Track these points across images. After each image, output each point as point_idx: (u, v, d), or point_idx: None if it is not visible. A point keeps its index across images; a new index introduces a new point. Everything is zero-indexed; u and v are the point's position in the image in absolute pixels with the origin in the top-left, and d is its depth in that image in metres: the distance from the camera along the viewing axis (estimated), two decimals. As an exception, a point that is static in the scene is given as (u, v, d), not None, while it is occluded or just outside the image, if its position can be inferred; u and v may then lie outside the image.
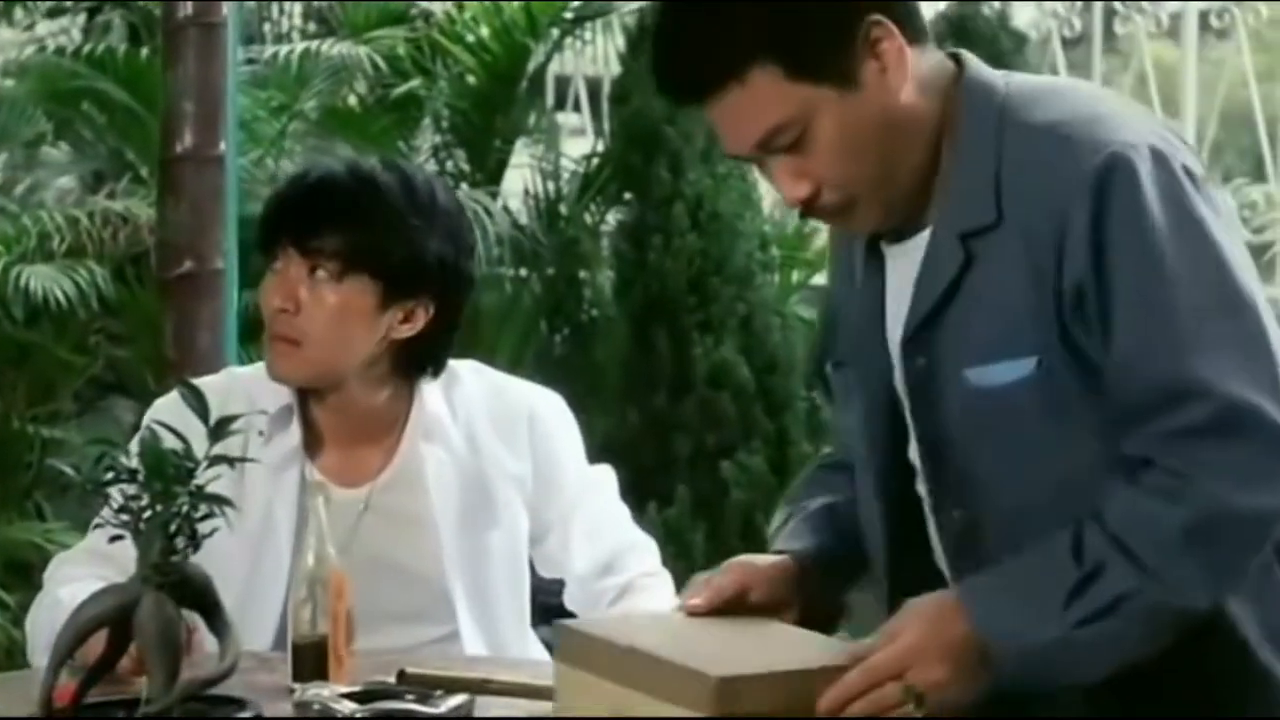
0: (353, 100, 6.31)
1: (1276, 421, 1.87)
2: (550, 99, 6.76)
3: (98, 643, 2.07)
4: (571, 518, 2.74)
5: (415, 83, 6.09)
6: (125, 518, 2.01)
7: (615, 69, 6.11)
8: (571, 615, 2.62)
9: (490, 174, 6.08)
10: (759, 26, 1.96)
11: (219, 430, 2.03)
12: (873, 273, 2.13)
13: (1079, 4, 6.84)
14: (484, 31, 6.06)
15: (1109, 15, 6.78)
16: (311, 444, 2.68)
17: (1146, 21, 6.67)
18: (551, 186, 6.09)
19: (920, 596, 1.98)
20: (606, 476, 2.82)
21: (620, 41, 6.15)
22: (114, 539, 2.04)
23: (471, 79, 6.11)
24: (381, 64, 5.96)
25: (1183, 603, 1.90)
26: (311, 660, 2.29)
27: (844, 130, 1.98)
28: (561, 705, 2.03)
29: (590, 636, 2.00)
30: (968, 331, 2.00)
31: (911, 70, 2.00)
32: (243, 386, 2.68)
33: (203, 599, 2.07)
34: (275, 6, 6.99)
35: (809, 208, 2.04)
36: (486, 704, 2.18)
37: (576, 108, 6.97)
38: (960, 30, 5.91)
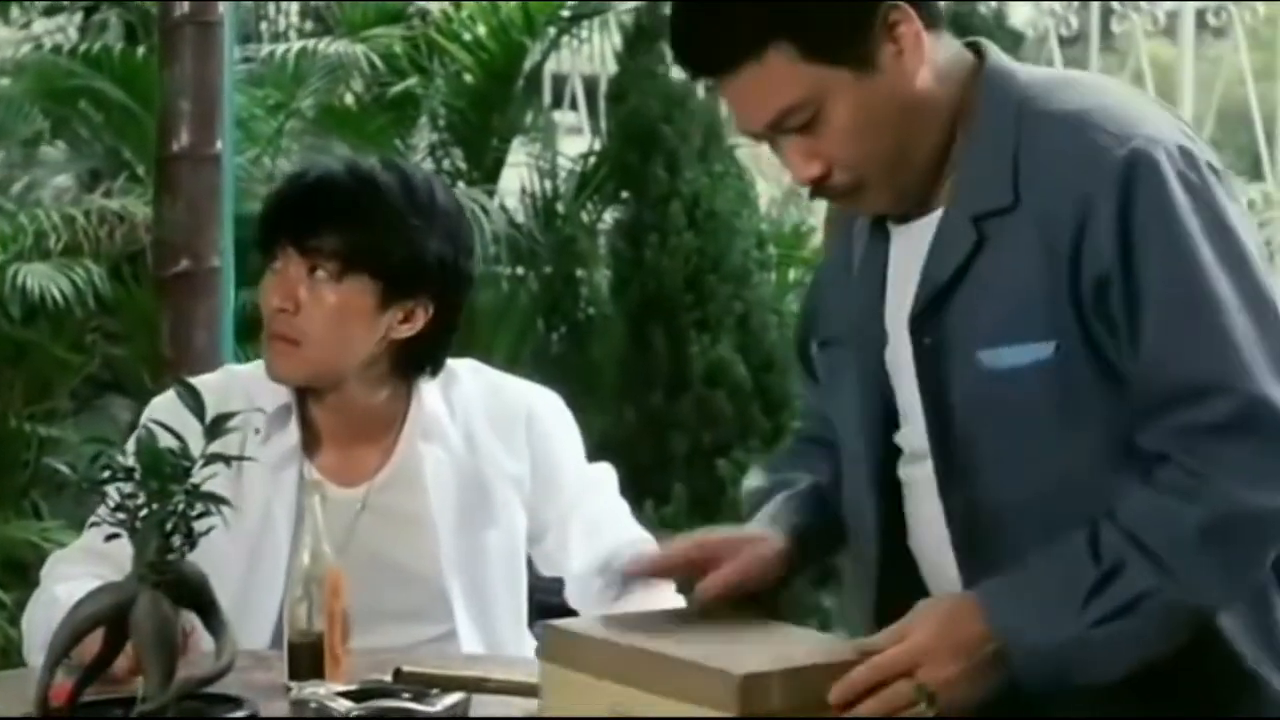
0: (349, 99, 6.31)
1: None
2: (547, 97, 6.75)
3: (94, 641, 2.07)
4: (570, 516, 2.74)
5: (412, 81, 6.08)
6: (121, 516, 2.01)
7: (612, 67, 6.10)
8: (572, 614, 2.62)
9: (487, 172, 6.07)
10: (778, 6, 1.97)
11: (215, 429, 2.03)
12: (875, 251, 2.13)
13: (1076, 2, 6.84)
14: (481, 30, 6.06)
15: (1106, 13, 6.78)
16: (310, 443, 2.68)
17: (1143, 20, 6.67)
18: (548, 185, 6.08)
19: (934, 597, 1.98)
20: (606, 475, 2.81)
21: (617, 40, 6.15)
22: (110, 537, 2.04)
23: (468, 77, 6.11)
24: (378, 62, 5.95)
25: (1199, 601, 1.91)
26: (308, 659, 2.29)
27: (858, 112, 1.98)
28: (549, 705, 2.02)
29: (584, 636, 2.00)
30: (976, 313, 2.00)
31: (928, 56, 2.01)
32: (241, 385, 2.68)
33: (199, 597, 2.07)
34: (272, 5, 6.99)
35: (818, 188, 2.04)
36: (482, 703, 2.18)
37: (573, 106, 6.96)
38: (957, 28, 5.86)
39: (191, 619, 2.13)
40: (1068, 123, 1.98)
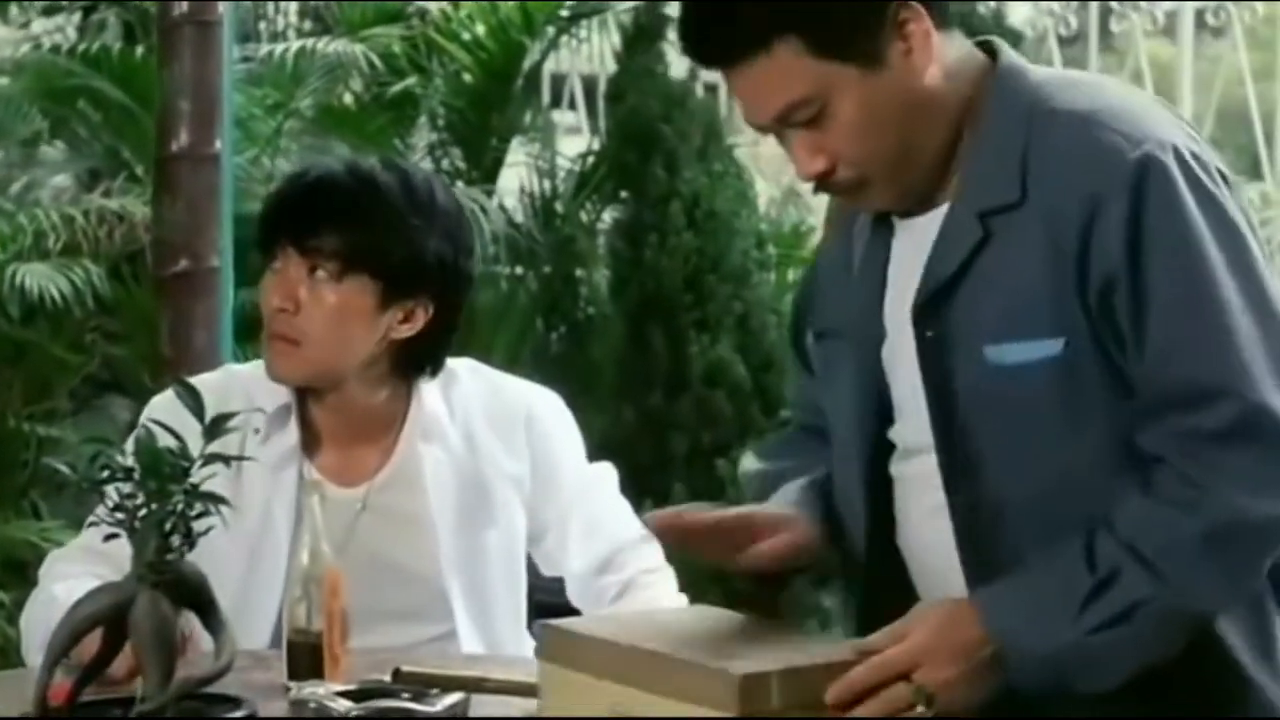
0: (348, 98, 6.30)
1: None
2: (546, 97, 6.75)
3: (93, 641, 2.06)
4: (569, 516, 2.74)
5: (411, 81, 6.08)
6: (120, 516, 2.01)
7: (611, 67, 6.10)
8: (572, 613, 2.62)
9: (486, 172, 6.07)
10: (789, 1, 1.97)
11: (214, 429, 2.03)
12: (877, 247, 2.13)
13: (1075, 2, 6.84)
14: (480, 29, 6.05)
15: (1105, 13, 6.77)
16: (309, 443, 2.68)
17: (1142, 19, 6.67)
18: (547, 185, 6.08)
19: (932, 599, 1.98)
20: (606, 473, 2.81)
21: (616, 39, 6.14)
22: (109, 537, 2.04)
23: (467, 77, 6.10)
24: (377, 62, 5.95)
25: (1197, 608, 1.91)
26: (307, 658, 2.29)
27: (864, 109, 1.98)
28: (548, 705, 2.02)
29: (583, 635, 2.00)
30: (981, 308, 2.00)
31: (937, 54, 2.01)
32: (241, 385, 2.68)
33: (198, 597, 2.07)
34: (271, 5, 6.99)
35: (822, 183, 2.05)
36: (482, 702, 2.18)
37: (572, 106, 6.96)
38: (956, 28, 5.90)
39: (190, 622, 2.13)
40: (1078, 121, 1.98)
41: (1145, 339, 1.93)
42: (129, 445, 2.07)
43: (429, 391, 2.71)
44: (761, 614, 2.10)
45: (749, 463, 2.33)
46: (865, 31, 1.98)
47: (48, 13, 6.74)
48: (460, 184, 5.81)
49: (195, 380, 2.22)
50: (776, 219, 6.19)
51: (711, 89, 6.30)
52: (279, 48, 6.06)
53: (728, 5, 1.99)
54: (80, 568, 2.52)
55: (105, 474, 2.01)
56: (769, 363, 5.49)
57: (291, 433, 2.66)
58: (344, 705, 2.10)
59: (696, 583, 2.77)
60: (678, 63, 5.82)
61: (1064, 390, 1.96)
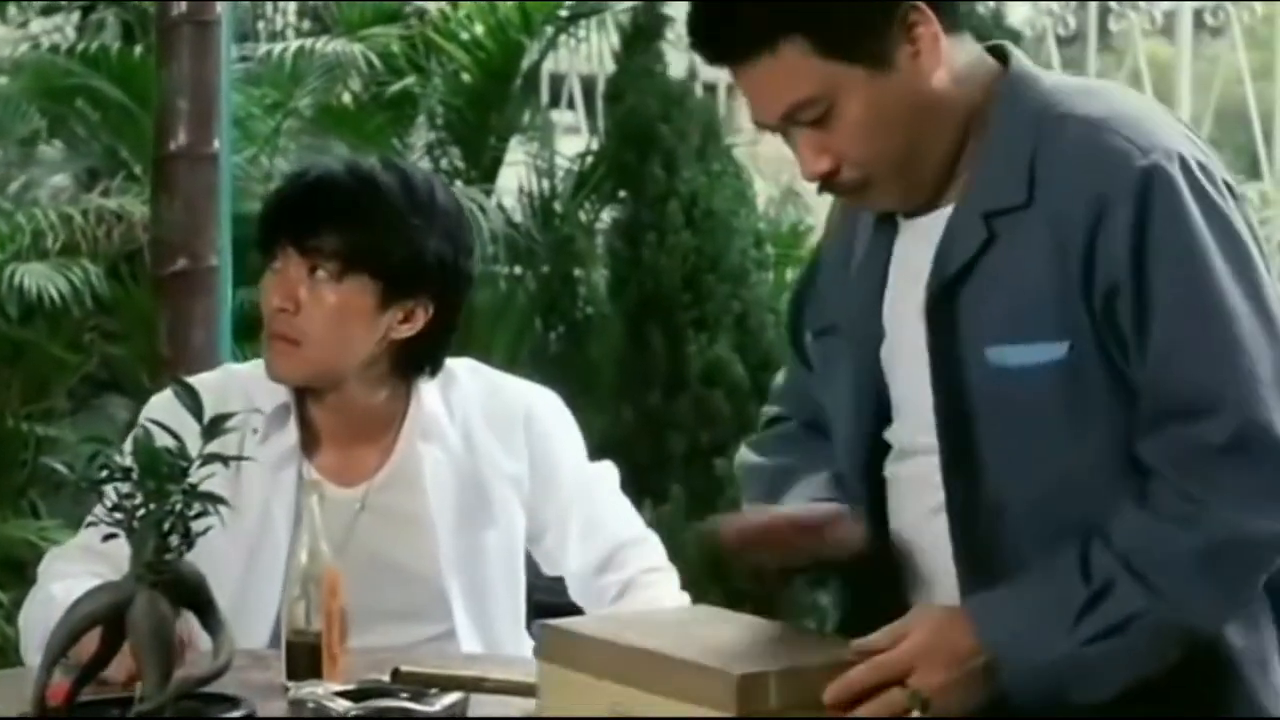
0: (347, 98, 6.30)
1: None
2: (545, 97, 6.74)
3: (91, 641, 2.06)
4: (569, 515, 2.74)
5: (410, 80, 6.07)
6: (119, 516, 2.01)
7: (610, 67, 6.09)
8: (571, 613, 2.62)
9: (485, 172, 6.06)
10: (797, 1, 1.97)
11: (212, 428, 2.03)
12: (879, 246, 2.12)
13: (1073, 2, 6.83)
14: (478, 29, 6.05)
15: (1104, 13, 6.76)
16: (308, 443, 2.68)
17: (1141, 19, 6.66)
18: (546, 184, 6.08)
19: (928, 605, 1.98)
20: (607, 472, 2.81)
21: (615, 39, 6.14)
22: (108, 537, 2.04)
23: (466, 77, 6.10)
24: (376, 62, 5.94)
25: (1193, 623, 1.91)
26: (305, 658, 2.29)
27: (870, 110, 1.98)
28: (547, 705, 2.02)
29: (582, 635, 2.00)
30: (983, 309, 2.00)
31: (945, 58, 2.00)
32: (240, 384, 2.68)
33: (196, 597, 2.07)
34: (269, 4, 6.98)
35: (827, 183, 2.04)
36: (481, 702, 2.18)
37: (571, 105, 6.96)
38: (954, 28, 5.89)
39: (188, 624, 2.13)
40: (1088, 127, 1.98)
41: (1147, 346, 1.93)
42: (127, 445, 2.07)
43: (428, 391, 2.71)
44: (761, 614, 2.10)
45: (746, 456, 2.33)
46: (872, 33, 1.98)
47: (46, 12, 6.74)
48: (459, 183, 5.81)
49: (194, 380, 2.22)
50: (775, 218, 6.18)
51: (710, 89, 6.30)
52: (277, 47, 6.06)
53: (735, 4, 1.99)
54: (79, 567, 2.52)
55: (104, 473, 2.01)
56: (767, 362, 5.48)
57: (291, 433, 2.66)
58: (342, 705, 2.10)
59: (697, 582, 2.77)
60: (676, 62, 5.82)
61: (1067, 394, 1.95)
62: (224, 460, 2.03)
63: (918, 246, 2.06)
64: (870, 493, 2.12)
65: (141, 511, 2.00)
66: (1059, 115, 2.00)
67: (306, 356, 2.61)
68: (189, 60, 4.28)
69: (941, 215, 2.05)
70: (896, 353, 2.09)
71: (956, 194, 2.04)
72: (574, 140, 6.65)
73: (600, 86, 6.43)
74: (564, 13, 6.21)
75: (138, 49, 5.80)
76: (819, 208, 5.55)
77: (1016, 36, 6.27)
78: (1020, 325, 1.97)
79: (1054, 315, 1.95)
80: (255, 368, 2.69)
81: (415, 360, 2.67)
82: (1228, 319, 1.91)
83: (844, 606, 2.16)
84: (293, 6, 7.06)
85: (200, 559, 2.07)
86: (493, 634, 2.68)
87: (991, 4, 6.29)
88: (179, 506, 2.00)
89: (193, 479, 2.00)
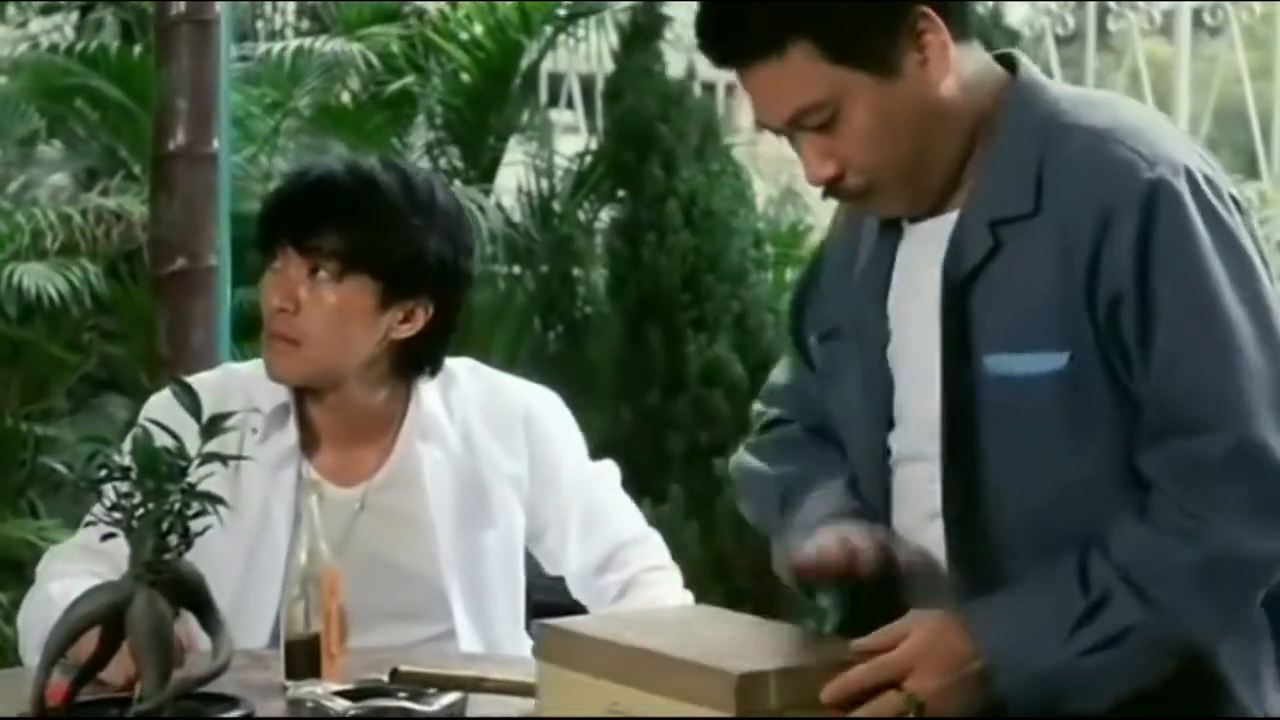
0: (346, 97, 6.30)
1: None
2: (544, 96, 6.74)
3: (90, 641, 2.06)
4: (569, 514, 2.74)
5: (409, 80, 6.07)
6: (118, 515, 2.01)
7: (609, 66, 6.09)
8: (570, 612, 2.62)
9: (484, 171, 6.06)
10: (805, 5, 1.97)
11: (211, 428, 2.03)
12: (884, 247, 2.12)
13: (1072, 2, 6.83)
14: (477, 29, 6.05)
15: (1102, 13, 6.76)
16: (308, 443, 2.68)
17: (1140, 19, 6.66)
18: (545, 184, 6.08)
19: (925, 609, 1.98)
20: (608, 471, 2.81)
21: (614, 39, 6.14)
22: (106, 537, 2.04)
23: (465, 76, 6.10)
24: (375, 61, 5.94)
25: (1190, 637, 1.91)
26: (304, 658, 2.29)
27: (877, 117, 1.98)
28: (546, 704, 2.02)
29: (581, 635, 2.00)
30: (987, 317, 1.99)
31: (953, 65, 2.00)
32: (239, 384, 2.68)
33: (195, 597, 2.07)
34: (268, 4, 6.98)
35: (831, 188, 2.04)
36: (479, 702, 2.18)
37: (570, 105, 6.96)
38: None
39: (188, 626, 2.13)
40: (1095, 137, 1.98)
41: (1151, 357, 1.92)
42: (126, 444, 2.07)
43: (427, 391, 2.71)
44: (761, 614, 2.10)
45: (746, 461, 2.31)
46: (880, 39, 1.97)
47: (45, 12, 6.74)
48: (458, 183, 5.81)
49: (193, 379, 2.22)
50: (774, 218, 6.18)
51: (709, 88, 6.30)
52: (276, 46, 6.05)
53: (744, 6, 1.99)
54: (77, 566, 2.52)
55: (102, 473, 2.01)
56: (766, 362, 5.47)
57: (290, 432, 2.66)
58: (341, 705, 2.10)
59: (699, 581, 2.77)
60: (675, 62, 5.82)
61: (1067, 404, 1.95)
62: (223, 460, 2.03)
63: (922, 251, 2.06)
64: (884, 497, 2.12)
65: (140, 511, 2.00)
66: (1066, 125, 2.00)
67: (307, 356, 2.61)
68: (188, 60, 4.28)
69: (946, 220, 2.04)
70: (900, 358, 2.08)
71: (962, 200, 2.04)
72: (573, 140, 6.65)
73: (599, 86, 6.43)
74: (563, 12, 6.21)
75: (137, 48, 5.80)
76: (818, 207, 5.56)
77: (1015, 36, 6.27)
78: (1023, 334, 1.97)
79: (1057, 325, 1.95)
80: (255, 367, 2.69)
81: (415, 360, 2.67)
82: (1229, 334, 1.91)
83: (844, 607, 2.15)
84: (292, 6, 7.06)
85: (199, 559, 2.07)
86: (492, 634, 2.68)
87: (990, 3, 6.29)
88: (178, 506, 2.00)
89: (191, 478, 2.00)
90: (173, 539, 2.01)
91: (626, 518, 2.77)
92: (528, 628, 2.72)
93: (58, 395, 5.61)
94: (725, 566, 5.10)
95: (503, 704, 2.19)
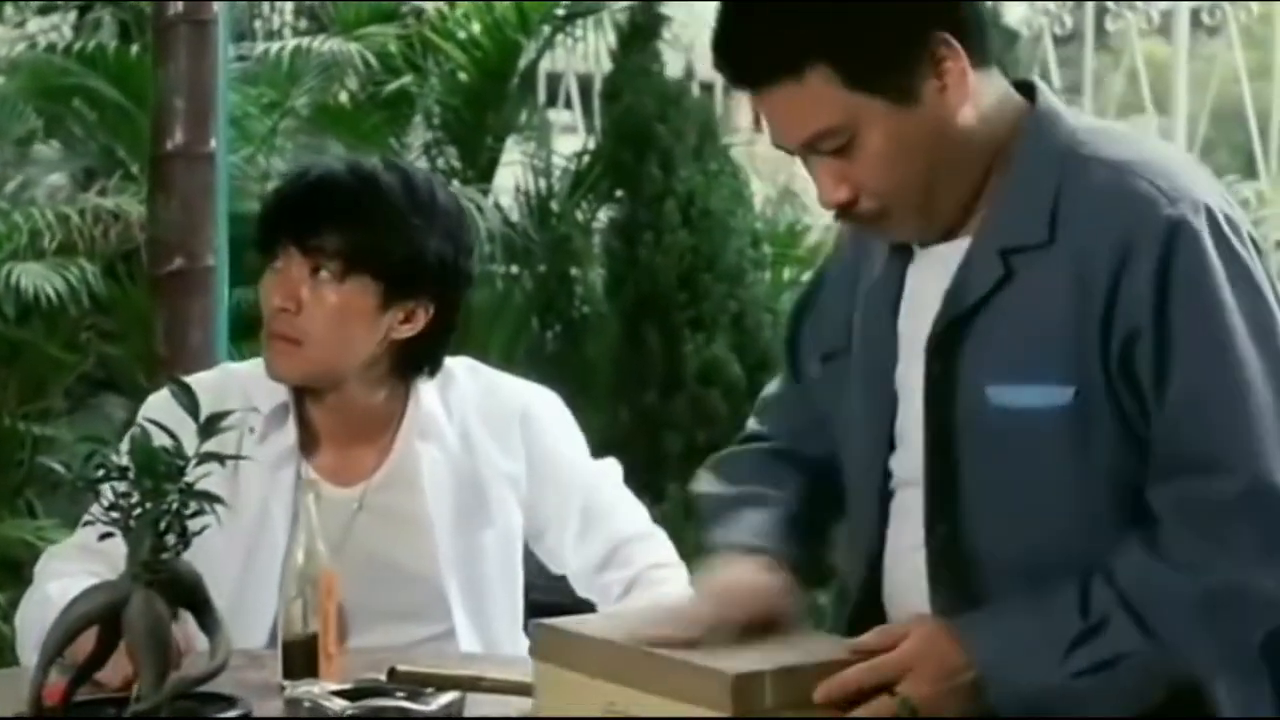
0: (344, 97, 6.30)
1: None
2: (542, 96, 6.74)
3: (87, 641, 2.06)
4: (569, 512, 2.74)
5: (406, 79, 6.07)
6: (115, 515, 2.01)
7: (607, 66, 6.09)
8: (568, 612, 2.61)
9: (482, 171, 6.06)
10: (824, 29, 1.95)
11: (209, 428, 2.02)
12: (894, 269, 2.10)
13: (1070, 2, 6.83)
14: (475, 28, 6.05)
15: (1100, 12, 6.76)
16: (307, 443, 2.68)
17: (1138, 19, 6.66)
18: (543, 183, 6.08)
19: (924, 615, 1.98)
20: (609, 469, 2.81)
21: (612, 38, 6.14)
22: (104, 536, 2.04)
23: (463, 76, 6.10)
24: (373, 61, 5.94)
25: (1186, 669, 1.91)
26: (302, 658, 2.29)
27: (892, 143, 1.96)
28: (543, 704, 2.02)
29: (578, 635, 2.00)
30: (990, 347, 1.98)
31: (972, 93, 1.97)
32: (238, 384, 2.68)
33: (193, 597, 2.06)
34: (266, 3, 6.99)
35: (844, 212, 2.02)
36: (477, 702, 2.18)
37: (568, 105, 6.95)
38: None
39: (186, 627, 2.13)
40: (1116, 169, 1.96)
41: (1165, 394, 1.91)
42: (124, 444, 2.07)
43: (426, 391, 2.71)
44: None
45: (705, 485, 2.27)
46: (900, 66, 1.95)
47: (43, 11, 6.74)
48: (456, 183, 5.81)
49: (191, 379, 2.22)
50: (772, 218, 6.18)
51: (707, 88, 6.30)
52: (274, 46, 6.05)
53: (763, 27, 1.96)
54: (75, 566, 2.52)
55: (100, 473, 2.01)
56: (764, 362, 5.49)
57: (289, 432, 2.66)
58: (339, 704, 2.10)
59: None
60: (673, 62, 5.82)
61: (1065, 442, 1.94)
62: (221, 459, 2.03)
63: (931, 274, 2.04)
64: (880, 520, 2.11)
65: (138, 511, 2.00)
66: (1084, 156, 1.98)
67: (308, 356, 2.60)
68: (186, 59, 4.28)
69: (958, 246, 2.02)
70: (904, 381, 2.07)
71: (974, 227, 2.02)
72: (571, 139, 6.65)
73: (597, 86, 6.43)
74: (561, 12, 6.21)
75: (134, 48, 5.80)
76: (815, 207, 5.55)
77: (1013, 36, 6.27)
78: (1027, 366, 1.95)
79: (1064, 358, 1.93)
80: (253, 367, 2.69)
81: (415, 360, 2.67)
82: (1244, 374, 1.90)
83: (845, 623, 2.15)
84: (289, 6, 7.06)
85: (198, 559, 2.07)
86: (491, 634, 2.68)
87: (988, 3, 6.29)
88: (175, 506, 2.00)
89: (189, 478, 2.00)
90: (170, 539, 2.01)
91: (629, 515, 2.77)
92: (526, 627, 2.72)
93: (55, 395, 5.61)
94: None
95: (501, 704, 2.19)
